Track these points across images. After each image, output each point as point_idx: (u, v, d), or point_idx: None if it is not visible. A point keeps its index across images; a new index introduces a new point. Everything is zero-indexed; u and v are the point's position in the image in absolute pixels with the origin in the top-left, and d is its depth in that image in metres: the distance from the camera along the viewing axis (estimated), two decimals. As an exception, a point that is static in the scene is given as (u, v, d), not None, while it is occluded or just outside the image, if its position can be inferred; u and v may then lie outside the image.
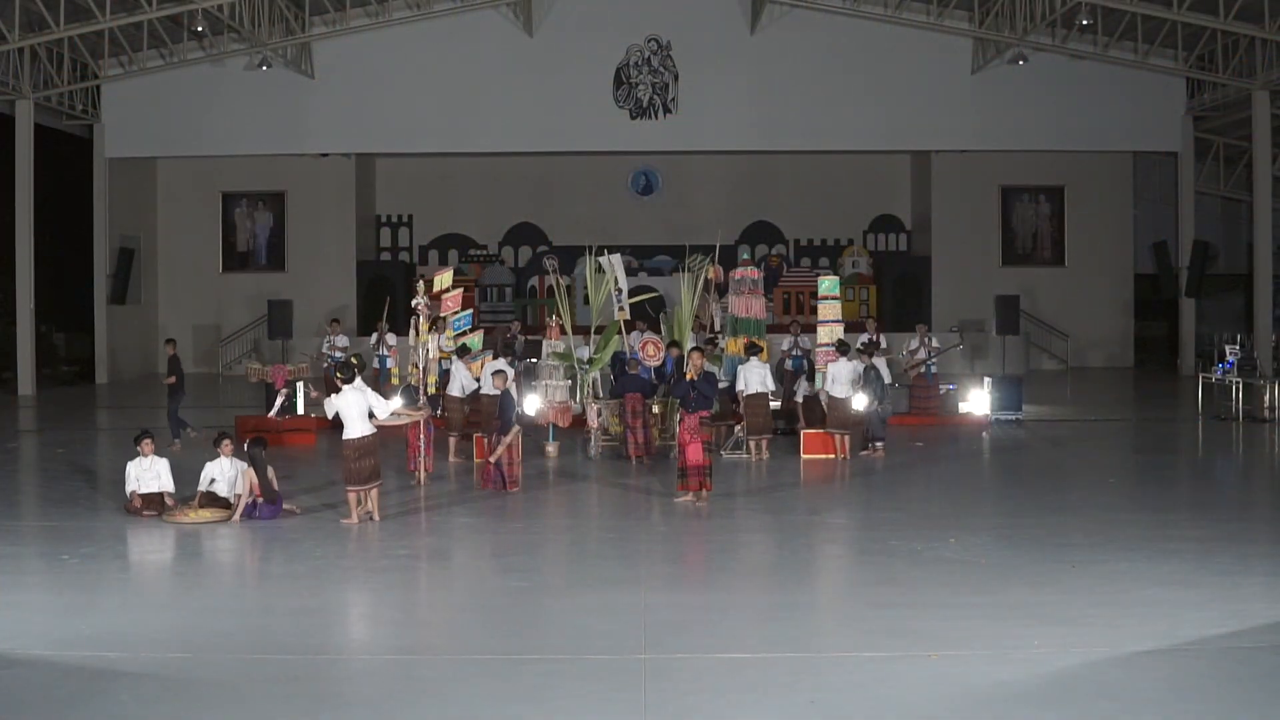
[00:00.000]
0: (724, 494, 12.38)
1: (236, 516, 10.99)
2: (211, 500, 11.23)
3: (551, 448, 15.29)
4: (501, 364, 15.13)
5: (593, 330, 16.84)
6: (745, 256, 18.40)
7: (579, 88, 27.63)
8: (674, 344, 15.82)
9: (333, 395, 11.19)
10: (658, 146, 29.10)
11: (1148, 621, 7.60)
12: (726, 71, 27.65)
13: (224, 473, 11.36)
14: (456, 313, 14.74)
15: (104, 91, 27.24)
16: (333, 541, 10.25)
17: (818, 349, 15.69)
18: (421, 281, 14.50)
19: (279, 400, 15.51)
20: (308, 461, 15.13)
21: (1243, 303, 29.77)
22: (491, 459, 12.59)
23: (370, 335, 19.85)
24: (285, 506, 11.31)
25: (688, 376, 11.98)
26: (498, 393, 14.64)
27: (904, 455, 15.49)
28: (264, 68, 26.31)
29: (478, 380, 14.91)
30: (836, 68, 27.57)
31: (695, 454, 11.69)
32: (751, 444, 14.88)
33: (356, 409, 10.97)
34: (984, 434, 17.62)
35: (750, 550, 10.22)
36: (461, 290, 15.32)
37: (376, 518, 11.02)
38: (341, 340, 19.76)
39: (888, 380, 15.83)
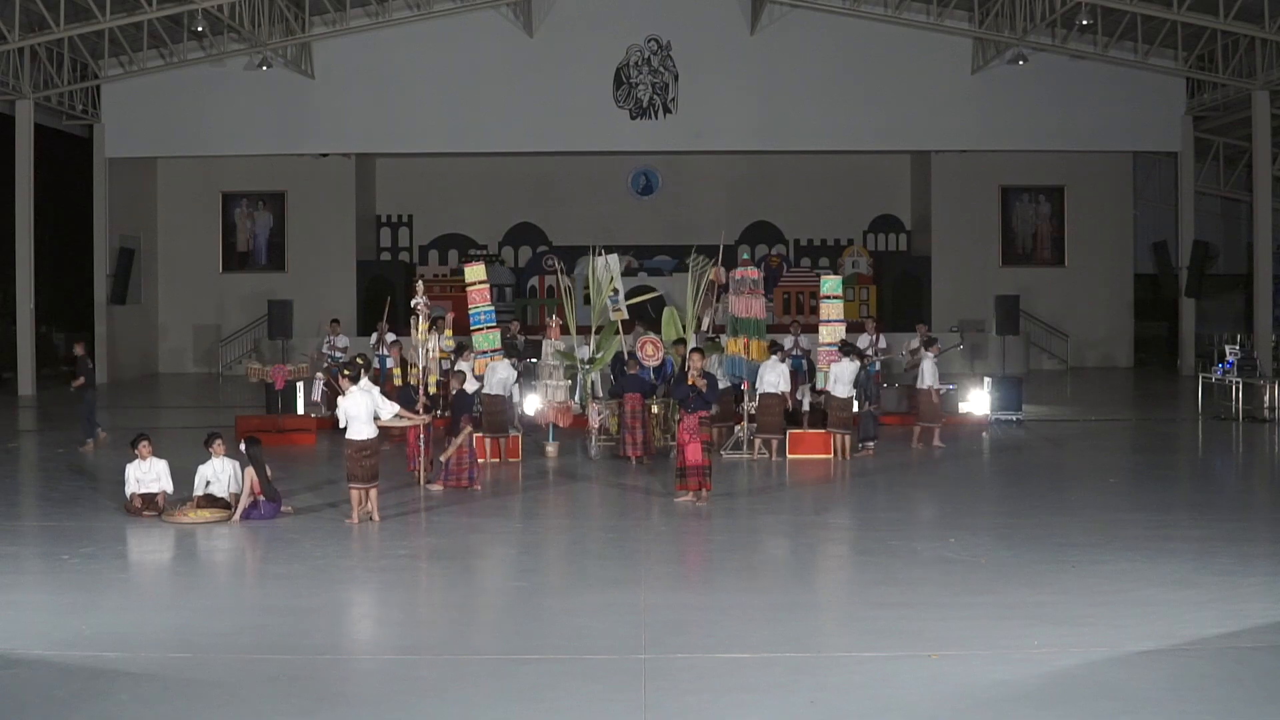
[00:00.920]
0: (724, 494, 12.38)
1: (236, 516, 10.99)
2: (210, 501, 11.22)
3: (551, 448, 15.30)
4: (504, 365, 15.14)
5: (593, 330, 16.85)
6: (745, 256, 18.34)
7: (579, 88, 27.62)
8: (680, 342, 15.82)
9: (340, 398, 11.16)
10: (658, 146, 29.09)
11: (1148, 621, 7.60)
12: (726, 71, 27.64)
13: (218, 474, 11.36)
14: (479, 306, 14.96)
15: (104, 91, 27.23)
16: (333, 541, 10.25)
17: (819, 349, 15.69)
18: (421, 281, 14.51)
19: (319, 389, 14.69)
20: (308, 461, 15.12)
21: (1243, 303, 29.77)
22: (441, 458, 12.71)
23: (370, 335, 19.83)
24: (282, 508, 11.30)
25: (690, 380, 11.97)
26: (497, 393, 14.73)
27: (904, 455, 15.50)
28: (264, 68, 26.30)
29: (479, 379, 14.92)
30: (836, 68, 27.56)
31: (695, 454, 11.70)
32: (759, 442, 14.85)
33: (364, 410, 11.02)
34: (984, 434, 17.62)
35: (750, 550, 10.22)
36: (488, 286, 15.49)
37: (376, 518, 11.02)
38: (341, 340, 19.75)
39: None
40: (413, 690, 6.48)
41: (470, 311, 15.38)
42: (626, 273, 23.69)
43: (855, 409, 15.25)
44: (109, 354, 27.57)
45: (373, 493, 11.08)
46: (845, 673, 6.70)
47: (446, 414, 14.93)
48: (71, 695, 6.39)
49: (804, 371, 17.33)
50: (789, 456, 14.85)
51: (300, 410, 18.44)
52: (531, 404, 15.83)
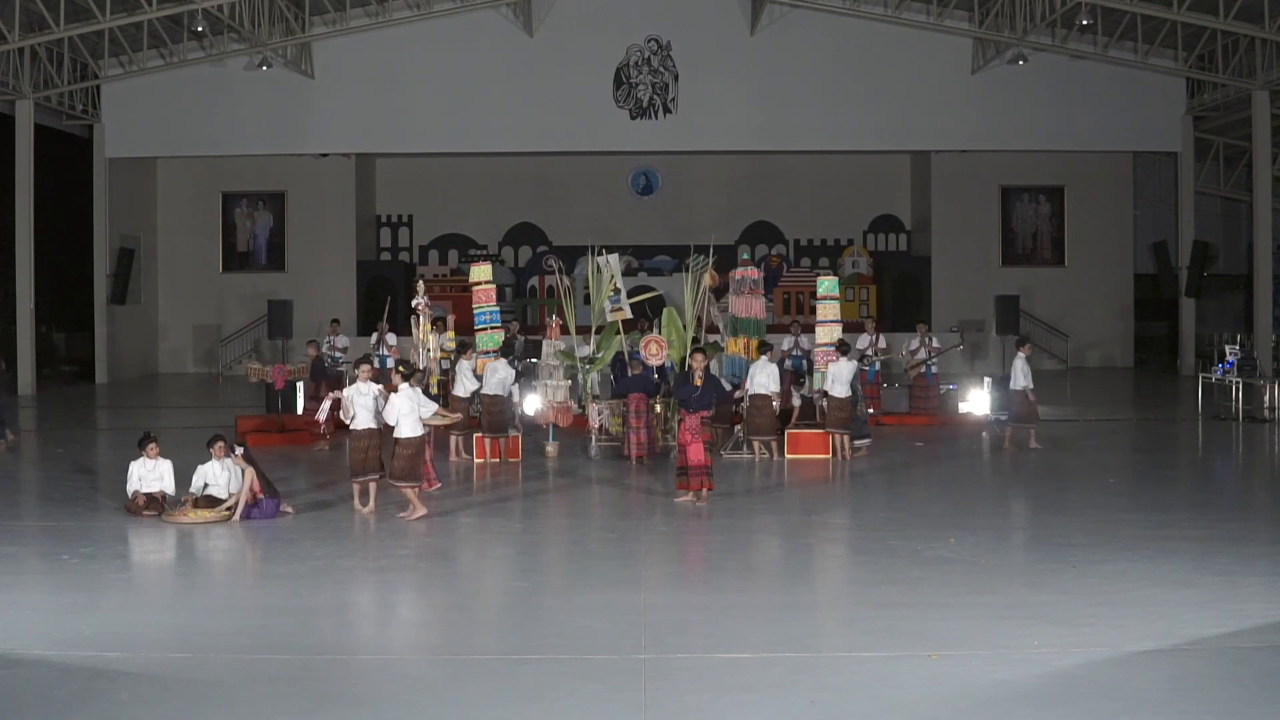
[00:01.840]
0: (724, 494, 12.38)
1: (237, 516, 11.00)
2: (210, 501, 11.22)
3: (551, 448, 15.30)
4: (503, 365, 15.14)
5: (593, 330, 16.85)
6: (745, 256, 18.31)
7: (579, 88, 27.62)
8: (699, 350, 15.69)
9: (391, 395, 11.33)
10: (658, 146, 29.10)
11: (1148, 621, 7.60)
12: (726, 71, 27.65)
13: (217, 475, 11.35)
14: (483, 305, 15.00)
15: (104, 91, 27.23)
16: (333, 541, 10.25)
17: (817, 349, 15.70)
18: (422, 281, 14.52)
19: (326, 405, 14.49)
20: (308, 461, 15.11)
21: (1243, 303, 29.77)
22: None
23: (371, 335, 19.84)
24: (282, 508, 11.30)
25: (695, 381, 11.97)
26: (497, 393, 14.73)
27: (904, 455, 15.50)
28: (264, 68, 26.31)
29: (479, 379, 14.93)
30: (836, 68, 27.57)
31: (696, 454, 11.70)
32: (757, 444, 14.86)
33: (410, 408, 11.17)
34: (984, 434, 17.62)
35: (750, 550, 10.22)
36: (494, 287, 15.55)
37: (411, 516, 11.18)
38: (341, 340, 19.74)
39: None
40: (413, 690, 6.48)
41: (475, 310, 15.44)
42: (626, 273, 23.69)
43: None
44: (109, 354, 27.59)
45: (410, 492, 11.25)
46: (845, 673, 6.70)
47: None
48: (71, 695, 6.39)
49: (804, 371, 17.33)
50: (788, 456, 14.85)
51: (300, 410, 18.44)
52: (531, 404, 15.83)
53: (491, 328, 15.27)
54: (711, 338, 16.99)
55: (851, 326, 23.14)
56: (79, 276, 27.52)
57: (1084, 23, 25.31)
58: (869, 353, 18.87)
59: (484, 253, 32.43)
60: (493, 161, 31.59)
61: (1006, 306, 23.50)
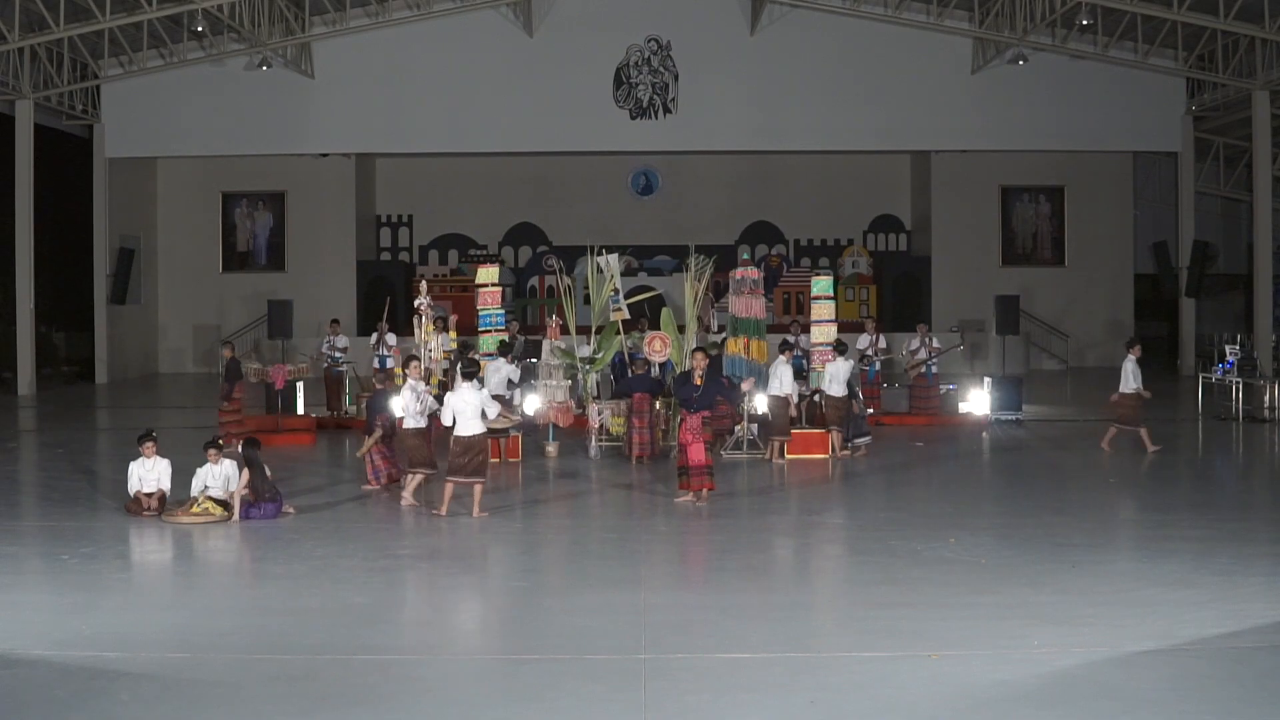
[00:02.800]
0: (724, 494, 12.38)
1: (235, 516, 10.99)
2: (209, 501, 11.21)
3: (551, 448, 15.29)
4: (504, 366, 15.14)
5: (593, 330, 16.85)
6: (745, 256, 18.31)
7: (579, 88, 27.63)
8: (708, 354, 15.65)
9: (448, 395, 11.35)
10: (658, 146, 29.10)
11: (1148, 621, 7.60)
12: (726, 71, 27.66)
13: (216, 477, 11.34)
14: (489, 308, 15.04)
15: (104, 91, 27.24)
16: (333, 541, 10.25)
17: (813, 349, 15.71)
18: (424, 282, 14.52)
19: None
20: (308, 461, 15.12)
21: (1243, 303, 29.76)
22: (360, 454, 12.82)
23: (370, 335, 19.83)
24: (282, 508, 11.29)
25: (695, 381, 11.97)
26: (499, 392, 14.74)
27: (904, 455, 15.50)
28: (264, 68, 26.31)
29: (481, 381, 14.93)
30: (836, 68, 27.57)
31: (697, 454, 11.70)
32: (775, 444, 14.76)
33: (472, 407, 11.15)
34: (984, 434, 17.62)
35: (751, 550, 10.22)
36: (500, 289, 15.58)
37: (476, 513, 11.20)
38: (341, 340, 19.74)
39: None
40: (413, 690, 6.48)
41: (480, 312, 15.48)
42: (626, 272, 23.71)
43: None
44: (109, 354, 27.59)
45: (477, 489, 11.24)
46: (845, 673, 6.70)
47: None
48: (71, 695, 6.39)
49: (805, 371, 17.33)
50: (787, 457, 14.85)
51: (300, 410, 18.45)
52: (531, 404, 15.82)
53: (496, 330, 15.29)
54: (711, 338, 17.00)
55: (851, 326, 23.18)
56: (79, 276, 27.53)
57: (1084, 23, 25.31)
58: (869, 353, 18.87)
59: (484, 253, 32.42)
60: (493, 161, 31.60)
61: (1006, 306, 23.46)
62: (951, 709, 6.12)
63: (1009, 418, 18.72)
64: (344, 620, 7.82)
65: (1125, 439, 15.69)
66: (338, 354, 19.46)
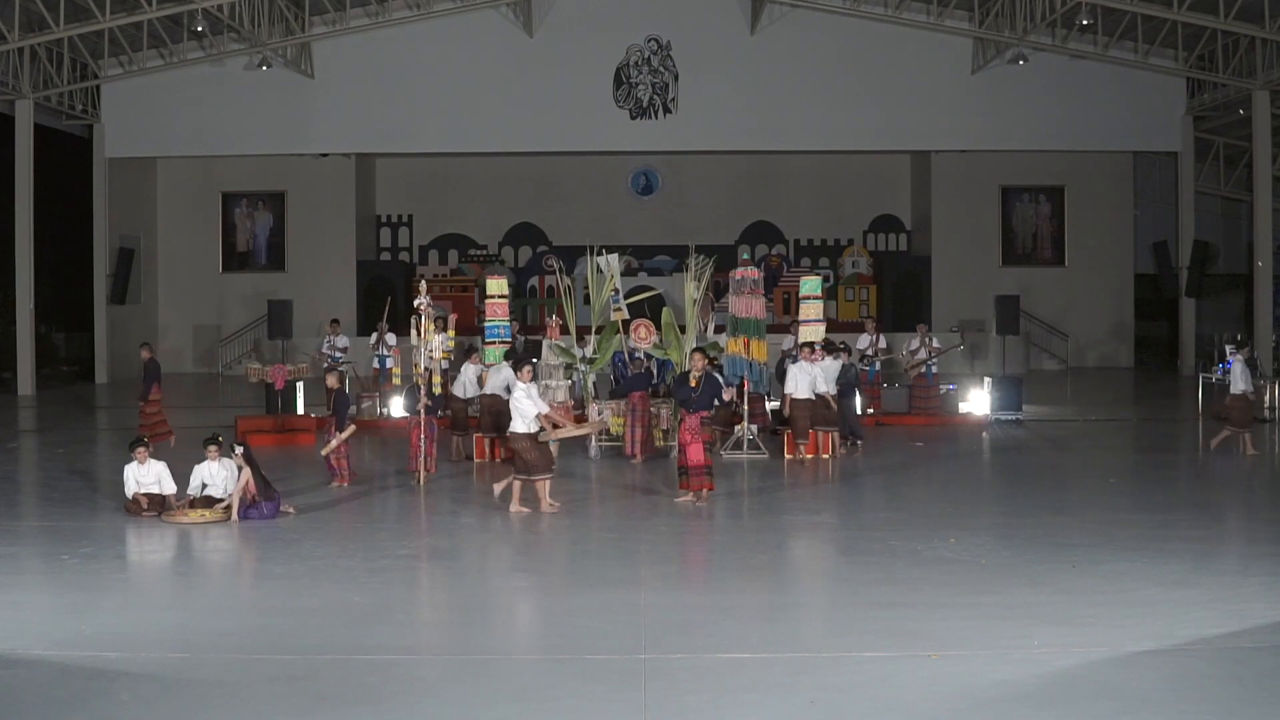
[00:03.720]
0: (724, 494, 12.38)
1: (235, 516, 10.99)
2: (208, 502, 11.22)
3: (552, 448, 15.26)
4: (504, 368, 15.11)
5: (593, 330, 16.85)
6: (745, 256, 18.29)
7: (579, 88, 27.63)
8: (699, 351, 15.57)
9: (515, 393, 11.48)
10: (658, 146, 29.11)
11: (1148, 621, 7.60)
12: (726, 71, 27.66)
13: (214, 475, 11.34)
14: (496, 319, 15.10)
15: (104, 91, 27.24)
16: (333, 541, 10.25)
17: (800, 348, 15.68)
18: (424, 281, 14.52)
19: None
20: (308, 461, 15.11)
21: (1243, 303, 29.76)
22: (323, 452, 12.81)
23: (370, 335, 19.84)
24: (282, 508, 11.29)
25: (692, 382, 11.98)
26: (496, 394, 14.73)
27: (904, 455, 15.50)
28: (264, 68, 26.32)
29: (480, 386, 14.98)
30: (836, 68, 27.58)
31: (696, 454, 11.70)
32: (802, 447, 14.71)
33: (530, 404, 11.28)
34: (984, 434, 17.62)
35: (750, 550, 10.21)
36: (508, 300, 15.62)
37: (549, 507, 11.35)
38: (341, 340, 19.76)
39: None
40: (413, 690, 6.48)
41: (486, 324, 15.52)
42: (626, 273, 23.70)
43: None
44: (109, 354, 27.59)
45: (548, 483, 11.42)
46: (845, 673, 6.69)
47: (447, 413, 14.97)
48: (71, 695, 6.38)
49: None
50: (786, 457, 14.85)
51: (300, 410, 18.45)
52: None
53: (501, 342, 15.30)
54: (712, 338, 16.98)
55: (851, 326, 23.19)
56: (79, 276, 27.53)
57: (1084, 23, 25.31)
58: (869, 353, 18.87)
59: (484, 253, 32.43)
60: (493, 161, 31.60)
61: (1006, 306, 23.48)
62: (951, 709, 6.11)
63: (1009, 418, 18.72)
64: (344, 620, 7.81)
65: (1233, 441, 15.39)
66: (338, 354, 19.46)
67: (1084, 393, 24.51)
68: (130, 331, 28.81)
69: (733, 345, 14.96)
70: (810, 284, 15.82)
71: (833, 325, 24.50)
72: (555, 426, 11.80)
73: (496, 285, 15.79)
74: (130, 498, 11.35)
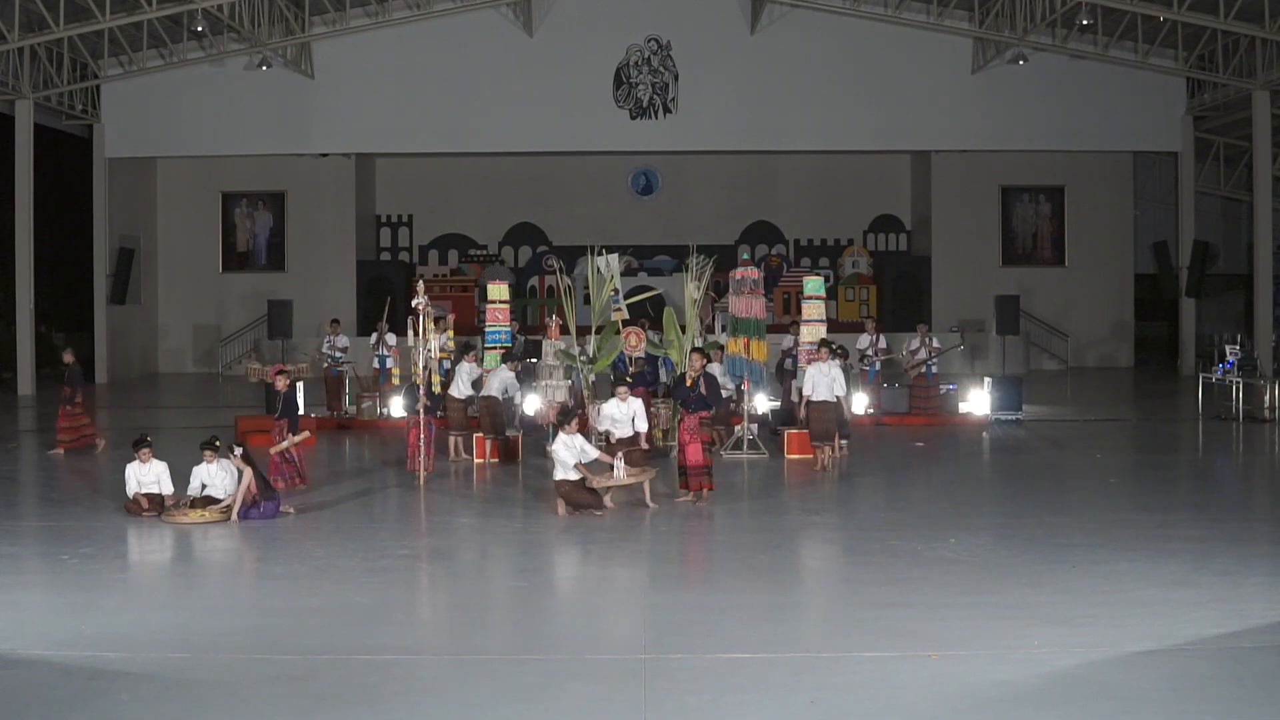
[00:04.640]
0: (724, 494, 12.37)
1: (235, 516, 10.99)
2: (208, 502, 11.21)
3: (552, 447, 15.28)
4: (503, 370, 15.12)
5: (593, 330, 16.85)
6: (745, 256, 18.29)
7: (579, 88, 27.63)
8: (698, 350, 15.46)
9: (600, 405, 11.83)
10: (657, 146, 29.11)
11: (1148, 621, 7.60)
12: (726, 71, 27.66)
13: (212, 476, 11.33)
14: (497, 324, 15.09)
15: (104, 91, 27.24)
16: (333, 541, 10.25)
17: (801, 348, 15.67)
18: (422, 281, 14.52)
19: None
20: (307, 462, 15.09)
21: (1243, 303, 29.76)
22: (273, 450, 12.57)
23: (370, 335, 19.83)
24: (281, 508, 11.30)
25: (688, 383, 11.99)
26: (496, 395, 14.75)
27: (904, 455, 15.50)
28: (264, 68, 26.32)
29: (475, 388, 14.99)
30: (836, 68, 27.58)
31: (694, 454, 11.70)
32: (827, 452, 14.00)
33: (569, 454, 11.25)
34: (984, 434, 17.62)
35: (750, 550, 10.21)
36: (509, 305, 15.62)
37: (650, 504, 11.49)
38: (341, 340, 19.73)
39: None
40: (413, 690, 6.48)
41: (487, 329, 15.53)
42: (626, 273, 23.70)
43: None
44: (109, 354, 27.59)
45: (645, 484, 11.51)
46: (845, 673, 6.70)
47: (444, 414, 14.96)
48: (71, 695, 6.38)
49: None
50: (786, 457, 14.84)
51: (300, 410, 18.41)
52: (531, 404, 15.82)
53: (501, 348, 15.30)
54: (712, 338, 16.99)
55: (852, 326, 23.17)
56: (79, 276, 27.53)
57: (1084, 23, 25.31)
58: (869, 353, 18.87)
59: (484, 253, 32.43)
60: (493, 161, 31.60)
61: (1006, 306, 23.49)
62: (951, 709, 6.11)
63: (1009, 418, 18.73)
64: (344, 620, 7.81)
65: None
66: (338, 354, 19.45)
67: (1084, 393, 24.51)
68: (130, 331, 28.85)
69: (733, 345, 14.96)
70: (813, 284, 15.82)
71: (833, 325, 24.50)
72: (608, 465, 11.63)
73: (498, 290, 15.80)
74: (131, 497, 11.35)
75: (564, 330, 16.27)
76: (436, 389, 13.85)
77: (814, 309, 15.58)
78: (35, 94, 24.69)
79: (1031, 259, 31.20)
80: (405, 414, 16.04)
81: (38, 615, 8.00)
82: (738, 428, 15.38)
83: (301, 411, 18.26)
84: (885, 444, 16.33)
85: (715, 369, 15.03)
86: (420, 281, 14.45)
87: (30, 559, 9.86)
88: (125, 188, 28.63)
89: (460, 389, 14.99)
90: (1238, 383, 19.21)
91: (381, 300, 22.05)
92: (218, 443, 11.57)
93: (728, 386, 15.43)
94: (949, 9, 26.67)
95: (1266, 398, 18.95)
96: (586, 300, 17.15)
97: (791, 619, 7.98)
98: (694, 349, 12.86)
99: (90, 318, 27.50)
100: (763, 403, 17.14)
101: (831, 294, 30.85)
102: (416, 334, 13.38)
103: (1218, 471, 15.32)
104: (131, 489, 11.37)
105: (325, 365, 19.41)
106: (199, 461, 11.47)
